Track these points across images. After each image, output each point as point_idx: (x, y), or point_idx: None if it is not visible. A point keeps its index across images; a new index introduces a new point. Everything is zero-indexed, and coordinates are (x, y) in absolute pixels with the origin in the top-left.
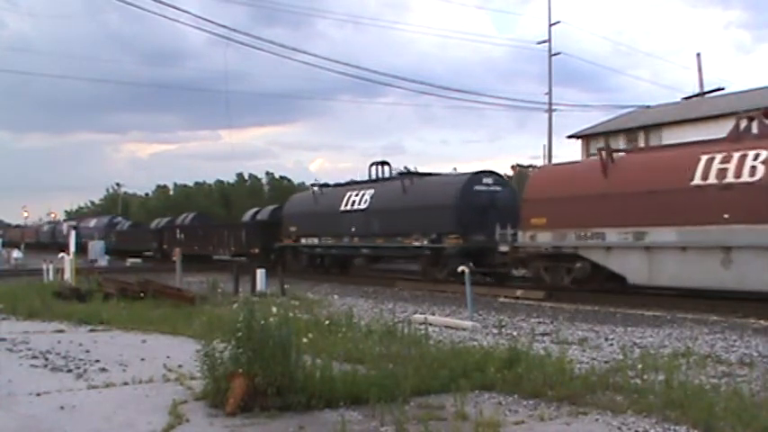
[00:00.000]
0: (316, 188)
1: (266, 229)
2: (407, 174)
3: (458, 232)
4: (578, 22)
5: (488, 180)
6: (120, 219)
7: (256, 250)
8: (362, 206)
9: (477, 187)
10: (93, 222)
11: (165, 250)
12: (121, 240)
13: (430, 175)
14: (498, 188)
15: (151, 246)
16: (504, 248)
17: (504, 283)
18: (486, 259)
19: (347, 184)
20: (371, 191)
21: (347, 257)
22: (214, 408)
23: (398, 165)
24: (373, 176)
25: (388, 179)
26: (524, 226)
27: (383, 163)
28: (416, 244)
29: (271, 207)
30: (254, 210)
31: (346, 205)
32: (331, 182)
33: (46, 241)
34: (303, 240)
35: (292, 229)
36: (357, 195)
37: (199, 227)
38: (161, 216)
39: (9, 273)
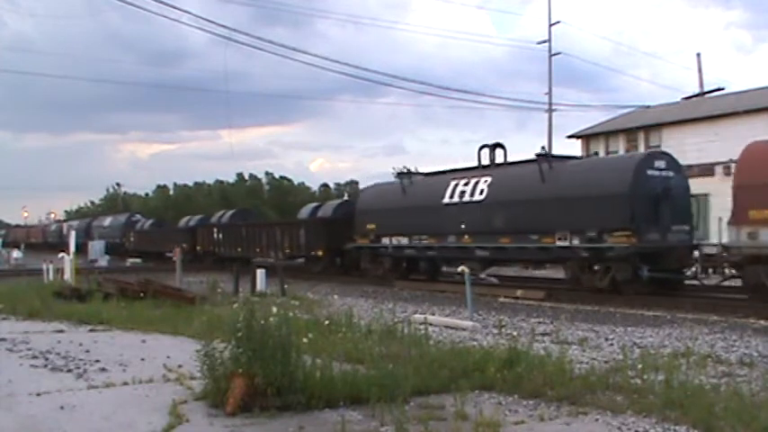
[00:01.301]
0: (404, 177)
1: (332, 227)
2: (546, 156)
3: (629, 228)
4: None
5: (661, 163)
6: (138, 216)
7: (319, 252)
8: (477, 197)
9: (650, 172)
10: (108, 221)
11: (198, 252)
12: (142, 241)
13: (572, 158)
14: (671, 173)
15: (180, 246)
16: (710, 249)
17: (504, 283)
18: (663, 263)
19: (449, 171)
20: (487, 178)
21: (451, 260)
22: (214, 408)
23: (399, 165)
24: (484, 162)
25: (514, 164)
26: (739, 220)
27: (497, 146)
28: (562, 244)
29: (336, 201)
30: (314, 205)
31: (452, 197)
32: (326, 180)
33: (53, 241)
34: (385, 240)
35: (370, 226)
36: (467, 185)
37: (243, 225)
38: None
39: (9, 273)
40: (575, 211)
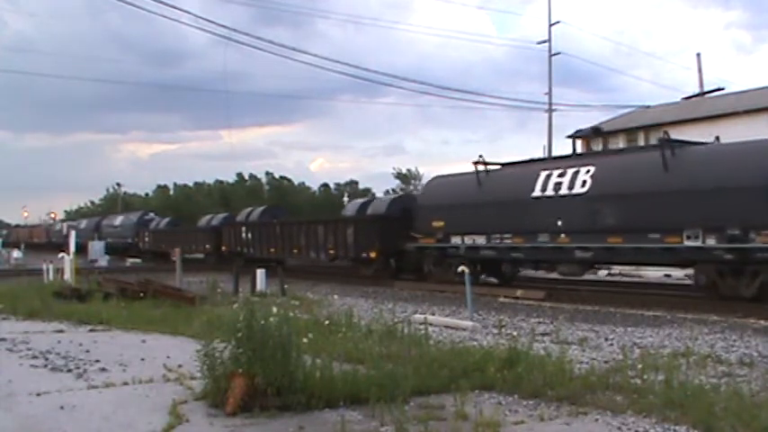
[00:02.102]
0: (480, 168)
1: (386, 225)
2: (669, 141)
3: None
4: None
5: None
6: (152, 215)
7: (371, 254)
8: (578, 190)
9: None
10: (118, 220)
11: (223, 253)
12: (158, 241)
13: (696, 144)
14: None
15: (202, 247)
16: None
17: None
18: None
19: (536, 161)
20: (590, 168)
21: (542, 262)
22: (214, 408)
23: (399, 165)
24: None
25: (625, 151)
26: None
27: (596, 132)
28: (693, 244)
29: (390, 196)
30: (363, 200)
31: (544, 190)
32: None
33: (58, 241)
34: (456, 240)
35: (437, 224)
36: (563, 176)
37: (278, 224)
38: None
39: (9, 273)
40: (709, 205)
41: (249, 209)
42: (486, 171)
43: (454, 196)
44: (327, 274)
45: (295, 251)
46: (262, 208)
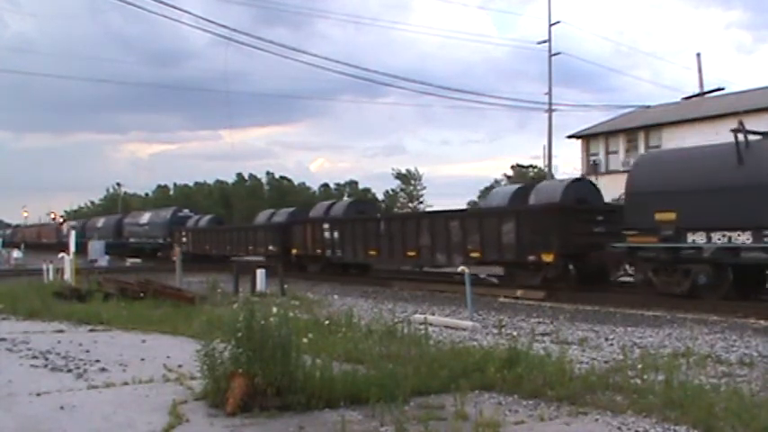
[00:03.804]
0: (740, 136)
1: (565, 217)
2: None
3: None
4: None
5: None
6: (187, 212)
7: (546, 256)
8: None
9: None
10: (145, 217)
11: (293, 257)
12: (201, 241)
13: None
14: None
15: (263, 249)
16: None
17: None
18: None
19: None
20: None
21: None
22: (214, 408)
23: (399, 165)
24: None
25: None
26: None
27: None
28: None
29: (563, 180)
30: (515, 186)
31: None
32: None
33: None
34: (696, 238)
35: (663, 216)
36: None
37: (383, 219)
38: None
39: (9, 273)
40: None
41: (326, 203)
42: (747, 143)
43: (694, 177)
44: (328, 274)
45: (411, 254)
46: (346, 201)
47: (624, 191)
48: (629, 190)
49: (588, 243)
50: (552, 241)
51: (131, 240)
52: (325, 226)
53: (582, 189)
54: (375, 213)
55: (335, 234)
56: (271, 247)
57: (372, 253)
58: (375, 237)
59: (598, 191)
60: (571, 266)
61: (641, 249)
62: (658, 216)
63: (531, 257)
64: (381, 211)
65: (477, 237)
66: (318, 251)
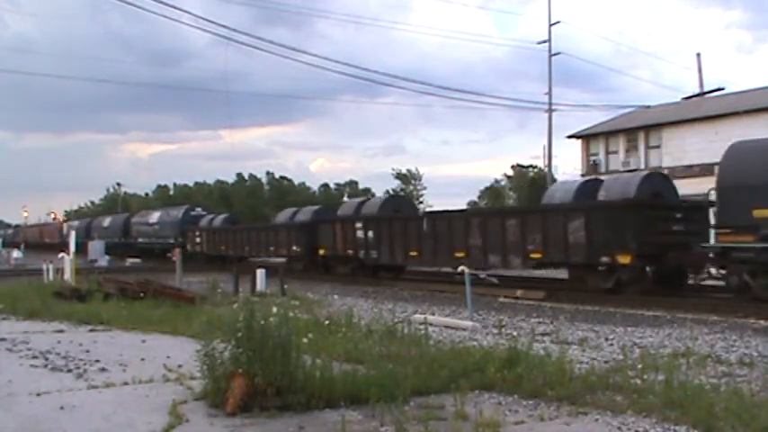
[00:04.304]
0: None
1: (642, 215)
2: None
3: None
4: (579, 23)
5: None
6: (199, 210)
7: (622, 257)
8: None
9: None
10: (155, 216)
11: (319, 258)
12: (217, 242)
13: None
14: None
15: (286, 249)
16: None
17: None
18: None
19: None
20: None
21: None
22: (214, 408)
23: (399, 165)
24: None
25: None
26: None
27: None
28: None
29: (636, 174)
30: (580, 181)
31: None
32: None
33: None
34: None
35: (764, 213)
36: None
37: (428, 217)
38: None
39: (9, 273)
40: None
41: (356, 200)
42: None
43: None
44: (327, 274)
45: (459, 255)
46: (381, 198)
47: (715, 184)
48: (721, 183)
49: (667, 243)
50: (629, 241)
51: (140, 240)
52: (358, 225)
53: (657, 183)
54: (413, 211)
55: (370, 234)
56: (294, 248)
57: (413, 254)
58: (417, 237)
59: (673, 186)
60: (648, 268)
61: (736, 250)
62: (757, 213)
63: (605, 258)
64: (416, 209)
65: (538, 236)
66: (349, 252)
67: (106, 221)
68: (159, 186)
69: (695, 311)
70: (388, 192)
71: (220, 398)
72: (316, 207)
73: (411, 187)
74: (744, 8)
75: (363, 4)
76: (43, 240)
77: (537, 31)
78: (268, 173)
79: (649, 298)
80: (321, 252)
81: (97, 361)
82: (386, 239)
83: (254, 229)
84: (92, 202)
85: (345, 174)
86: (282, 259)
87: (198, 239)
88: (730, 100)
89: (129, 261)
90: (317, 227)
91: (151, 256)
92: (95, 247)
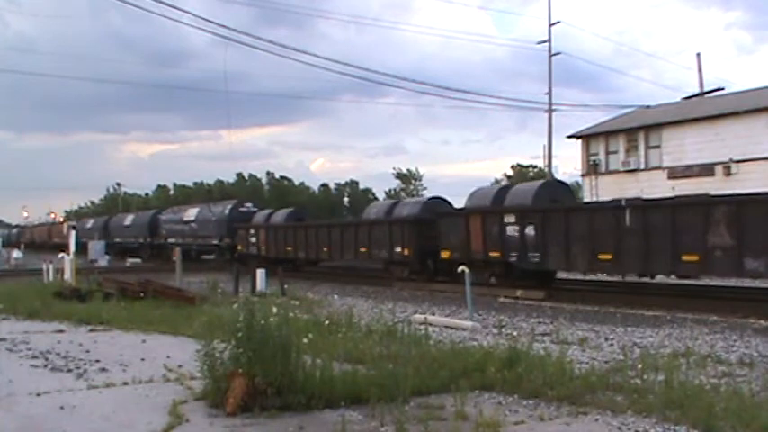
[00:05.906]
0: None
1: None
2: None
3: None
4: (579, 23)
5: None
6: (250, 206)
7: None
8: None
9: None
10: (192, 213)
11: (446, 261)
12: (280, 242)
13: None
14: None
15: (386, 251)
16: None
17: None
18: None
19: None
20: None
21: None
22: (214, 408)
23: (399, 165)
24: None
25: None
26: None
27: None
28: None
29: None
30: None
31: None
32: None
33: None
34: None
35: None
36: None
37: (626, 209)
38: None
39: (9, 273)
40: None
41: (486, 187)
42: None
43: None
44: (327, 274)
45: (689, 258)
46: (535, 185)
47: None
48: None
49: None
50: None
51: (170, 241)
52: (509, 219)
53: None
54: (572, 201)
55: (527, 230)
56: (398, 249)
57: (605, 257)
58: (613, 233)
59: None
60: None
61: None
62: None
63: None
64: (575, 199)
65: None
66: (495, 254)
67: (128, 219)
68: (159, 186)
69: (695, 311)
70: (389, 192)
71: (220, 398)
72: (423, 199)
73: (411, 187)
74: (744, 8)
75: (364, 4)
76: (52, 240)
77: (537, 31)
78: (268, 173)
79: (649, 298)
80: (445, 254)
81: (97, 361)
82: (556, 238)
83: (337, 226)
84: (92, 202)
85: (346, 174)
86: (378, 265)
87: (253, 239)
88: (730, 100)
89: (130, 261)
90: (438, 222)
91: (186, 259)
92: (95, 247)
